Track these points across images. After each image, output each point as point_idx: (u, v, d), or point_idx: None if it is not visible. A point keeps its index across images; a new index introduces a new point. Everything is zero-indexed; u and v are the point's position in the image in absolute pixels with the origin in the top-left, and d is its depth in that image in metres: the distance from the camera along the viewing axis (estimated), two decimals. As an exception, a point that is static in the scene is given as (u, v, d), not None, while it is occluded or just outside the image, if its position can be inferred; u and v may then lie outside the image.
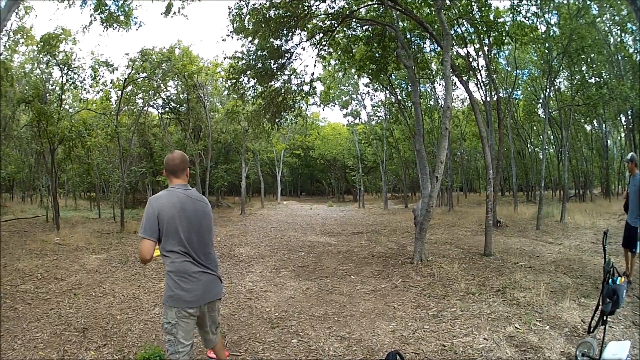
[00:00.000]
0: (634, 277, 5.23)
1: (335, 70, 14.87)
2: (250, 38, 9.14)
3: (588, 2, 11.91)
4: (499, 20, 10.16)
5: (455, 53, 11.47)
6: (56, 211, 12.46)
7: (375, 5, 9.83)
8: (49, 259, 7.67)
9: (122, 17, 9.51)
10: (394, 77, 17.15)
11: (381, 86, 18.63)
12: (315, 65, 17.78)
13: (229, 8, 8.82)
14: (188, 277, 2.49)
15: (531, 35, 10.32)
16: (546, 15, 11.72)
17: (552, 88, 14.91)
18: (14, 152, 19.96)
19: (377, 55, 10.77)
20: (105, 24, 9.34)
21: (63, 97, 14.55)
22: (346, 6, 9.23)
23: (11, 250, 8.52)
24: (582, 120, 22.72)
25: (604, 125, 22.99)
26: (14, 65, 15.55)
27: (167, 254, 2.49)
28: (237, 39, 9.13)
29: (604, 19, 16.34)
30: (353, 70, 13.06)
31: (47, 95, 13.68)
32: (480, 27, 10.29)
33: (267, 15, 8.60)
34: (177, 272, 2.48)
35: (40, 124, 11.93)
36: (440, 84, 21.56)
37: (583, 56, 12.86)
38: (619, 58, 17.37)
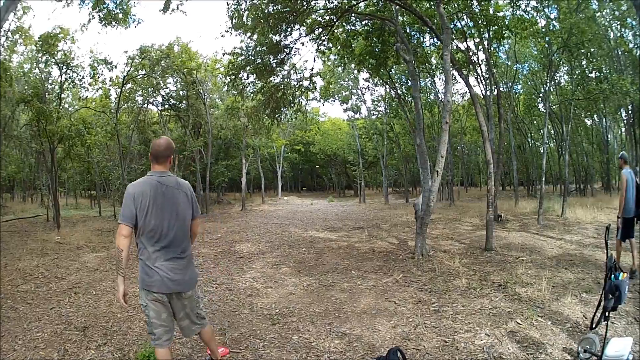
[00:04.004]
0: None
1: (335, 65, 14.79)
2: (249, 34, 9.09)
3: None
4: (498, 14, 10.11)
5: (455, 47, 11.39)
6: (57, 210, 12.46)
7: (375, 0, 9.77)
8: (50, 258, 7.68)
9: (120, 15, 9.50)
10: (393, 71, 17.05)
11: (381, 81, 18.52)
12: (314, 60, 17.66)
13: (228, 4, 8.75)
14: (150, 267, 2.51)
15: (531, 29, 10.26)
16: (546, 10, 11.63)
17: (553, 82, 14.84)
18: (14, 152, 19.94)
19: (376, 49, 10.70)
20: (103, 22, 9.34)
21: (62, 95, 14.53)
22: (345, 1, 9.17)
23: (12, 250, 8.51)
24: (583, 115, 22.59)
25: (604, 120, 22.90)
26: (12, 65, 15.50)
27: (138, 240, 2.55)
28: (236, 35, 9.13)
29: (603, 13, 16.23)
30: (353, 65, 13.00)
31: (46, 94, 13.63)
32: (480, 21, 10.22)
33: (266, 11, 8.55)
34: (144, 260, 2.53)
35: (40, 123, 11.93)
36: (440, 79, 21.53)
37: (583, 50, 12.74)
38: (619, 53, 17.26)
